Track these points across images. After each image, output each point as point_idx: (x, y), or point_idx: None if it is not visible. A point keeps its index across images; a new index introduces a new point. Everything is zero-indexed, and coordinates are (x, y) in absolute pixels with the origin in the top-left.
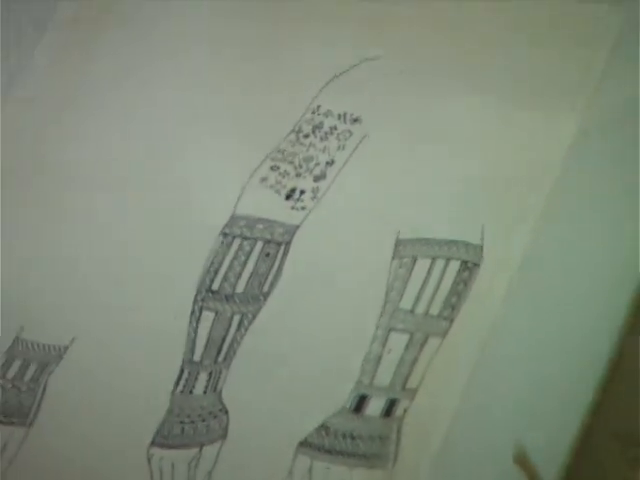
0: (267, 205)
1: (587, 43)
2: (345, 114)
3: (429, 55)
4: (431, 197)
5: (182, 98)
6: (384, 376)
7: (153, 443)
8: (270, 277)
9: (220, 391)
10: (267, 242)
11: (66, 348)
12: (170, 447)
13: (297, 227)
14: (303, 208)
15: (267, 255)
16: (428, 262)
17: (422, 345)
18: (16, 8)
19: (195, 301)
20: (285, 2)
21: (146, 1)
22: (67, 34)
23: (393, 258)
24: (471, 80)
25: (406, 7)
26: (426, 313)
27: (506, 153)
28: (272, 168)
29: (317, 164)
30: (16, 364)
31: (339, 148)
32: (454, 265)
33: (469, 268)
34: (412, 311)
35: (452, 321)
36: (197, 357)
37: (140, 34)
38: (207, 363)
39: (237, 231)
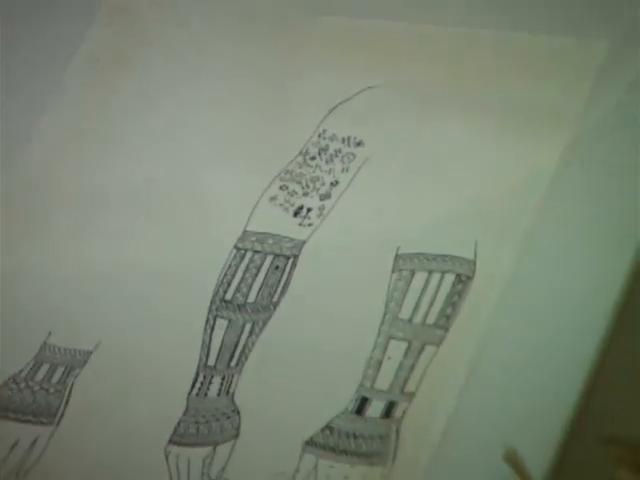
0: (276, 222)
1: (572, 74)
2: (349, 138)
3: (428, 84)
4: (428, 215)
5: (201, 126)
6: (384, 380)
7: (170, 441)
8: (279, 288)
9: (233, 394)
10: (276, 256)
11: (90, 353)
12: (186, 445)
13: (304, 242)
14: (310, 225)
15: (276, 268)
16: (425, 275)
17: (419, 352)
18: (45, 31)
19: (210, 310)
20: (295, 34)
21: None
22: (96, 58)
23: (393, 271)
24: (466, 107)
25: (408, 38)
26: (423, 323)
27: (497, 175)
28: (281, 188)
29: (323, 184)
30: (44, 368)
31: (343, 170)
32: (449, 278)
33: (463, 281)
34: (410, 321)
35: (447, 330)
36: (211, 362)
37: (167, 58)
38: (221, 367)
39: (249, 245)
